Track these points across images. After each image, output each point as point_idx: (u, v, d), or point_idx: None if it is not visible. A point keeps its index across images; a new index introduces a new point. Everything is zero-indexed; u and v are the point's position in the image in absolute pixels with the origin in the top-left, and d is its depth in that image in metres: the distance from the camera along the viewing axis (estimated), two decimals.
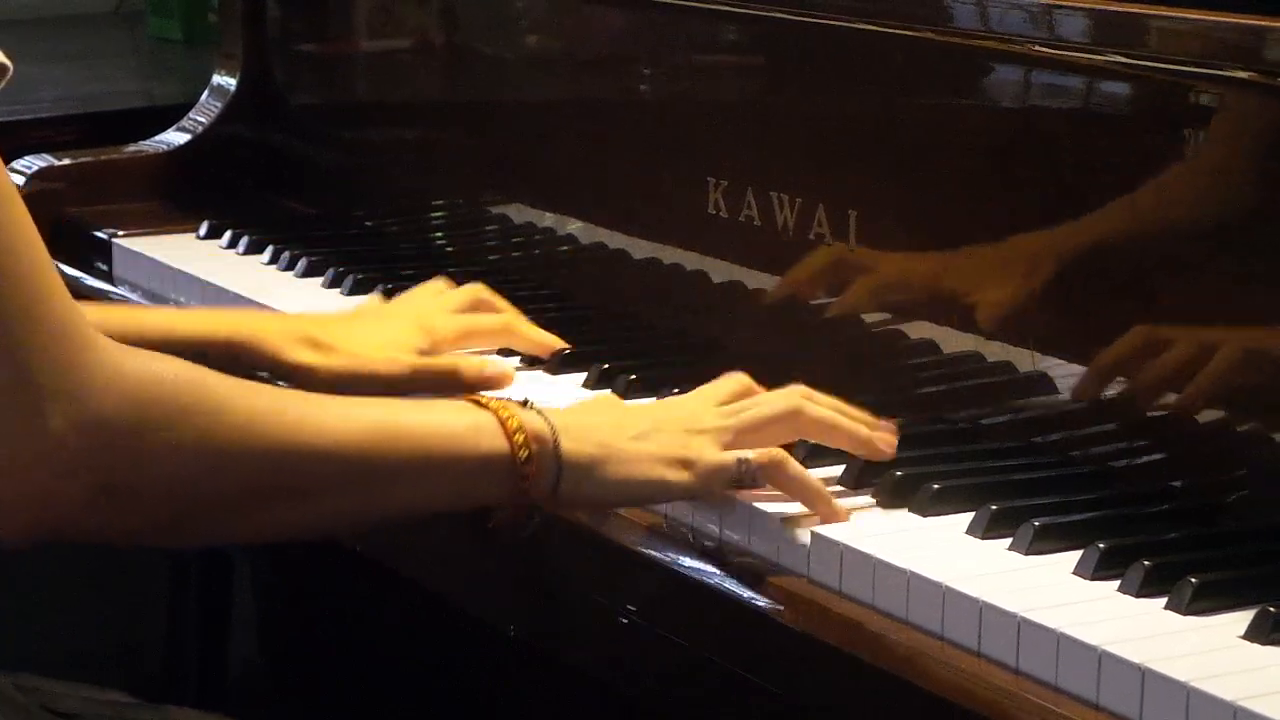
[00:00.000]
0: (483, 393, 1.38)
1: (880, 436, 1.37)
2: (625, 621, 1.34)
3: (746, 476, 1.33)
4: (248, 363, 1.56)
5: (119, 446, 1.18)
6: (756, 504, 1.33)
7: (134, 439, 1.19)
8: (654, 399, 1.50)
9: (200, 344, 1.55)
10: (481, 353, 1.64)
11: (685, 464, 1.33)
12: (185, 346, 1.53)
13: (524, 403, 1.33)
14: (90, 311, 1.57)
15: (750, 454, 1.33)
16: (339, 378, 1.55)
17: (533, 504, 1.31)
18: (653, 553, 1.34)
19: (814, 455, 1.39)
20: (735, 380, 1.40)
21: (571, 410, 1.37)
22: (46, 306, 1.17)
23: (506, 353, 1.66)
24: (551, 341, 1.65)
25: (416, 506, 1.30)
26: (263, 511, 1.25)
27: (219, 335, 1.57)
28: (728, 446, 1.34)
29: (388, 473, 1.27)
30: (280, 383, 1.56)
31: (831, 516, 1.31)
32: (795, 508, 1.33)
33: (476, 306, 1.66)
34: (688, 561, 1.33)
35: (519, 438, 1.29)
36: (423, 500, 1.30)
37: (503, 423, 1.29)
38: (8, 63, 1.23)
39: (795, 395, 1.38)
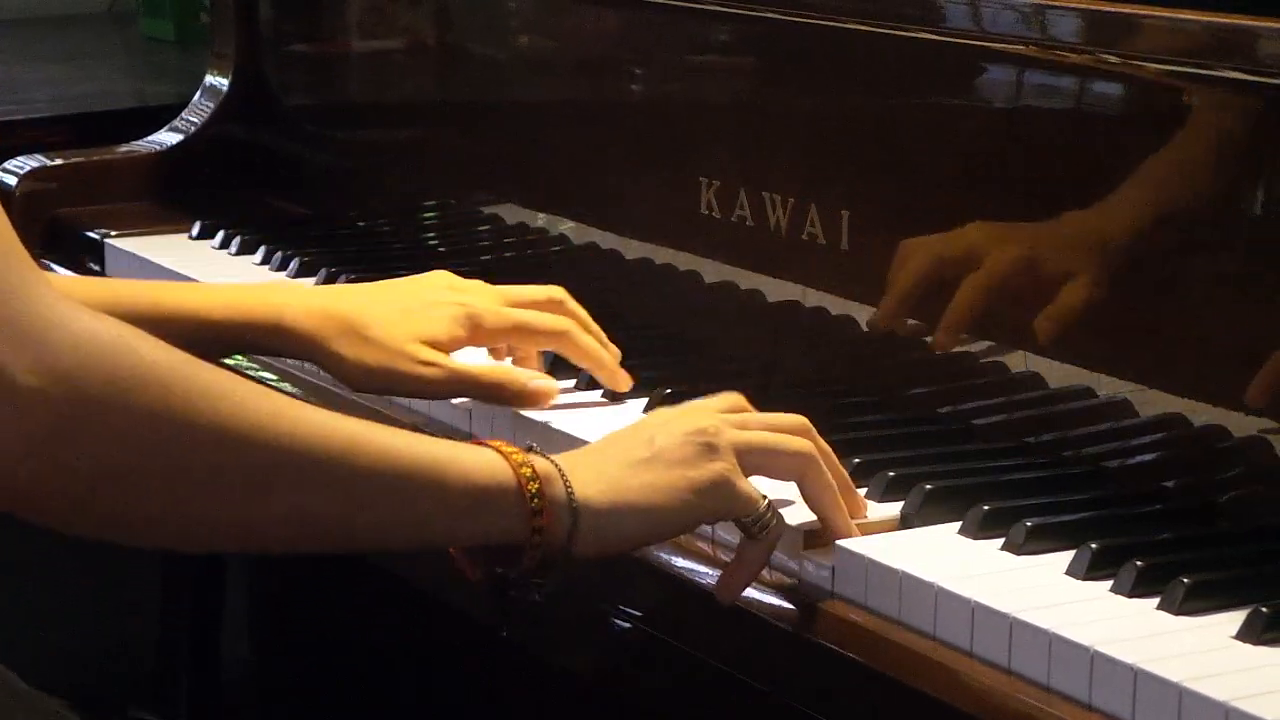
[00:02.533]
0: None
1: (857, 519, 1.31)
2: (621, 624, 1.34)
3: (765, 520, 1.25)
4: (276, 344, 1.51)
5: (73, 394, 1.07)
6: None
7: (88, 388, 1.08)
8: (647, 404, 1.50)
9: (237, 327, 1.49)
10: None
11: (709, 484, 1.24)
12: (221, 331, 1.49)
13: (529, 449, 1.24)
14: (98, 285, 1.53)
15: (774, 517, 1.26)
16: (371, 373, 1.49)
17: (548, 554, 1.21)
18: (645, 556, 1.34)
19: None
20: (731, 398, 1.33)
21: (576, 451, 1.27)
22: (7, 254, 1.08)
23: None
24: (610, 360, 1.54)
25: (398, 530, 1.20)
26: (212, 502, 1.13)
27: (256, 316, 1.49)
28: (742, 465, 1.26)
29: (360, 483, 1.16)
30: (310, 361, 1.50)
31: (857, 514, 1.30)
32: (784, 509, 1.32)
33: (545, 306, 1.55)
34: (681, 563, 1.33)
35: (525, 471, 1.20)
36: (404, 523, 1.19)
37: (507, 458, 1.21)
38: None
39: (809, 442, 1.29)
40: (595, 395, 1.56)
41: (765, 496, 1.26)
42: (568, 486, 1.22)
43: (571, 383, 1.58)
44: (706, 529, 1.35)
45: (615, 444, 1.27)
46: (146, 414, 1.10)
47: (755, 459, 1.27)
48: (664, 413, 1.32)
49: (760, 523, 1.25)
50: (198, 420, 1.11)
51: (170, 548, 1.19)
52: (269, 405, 1.14)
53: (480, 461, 1.20)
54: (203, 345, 1.40)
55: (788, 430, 1.30)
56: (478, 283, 1.58)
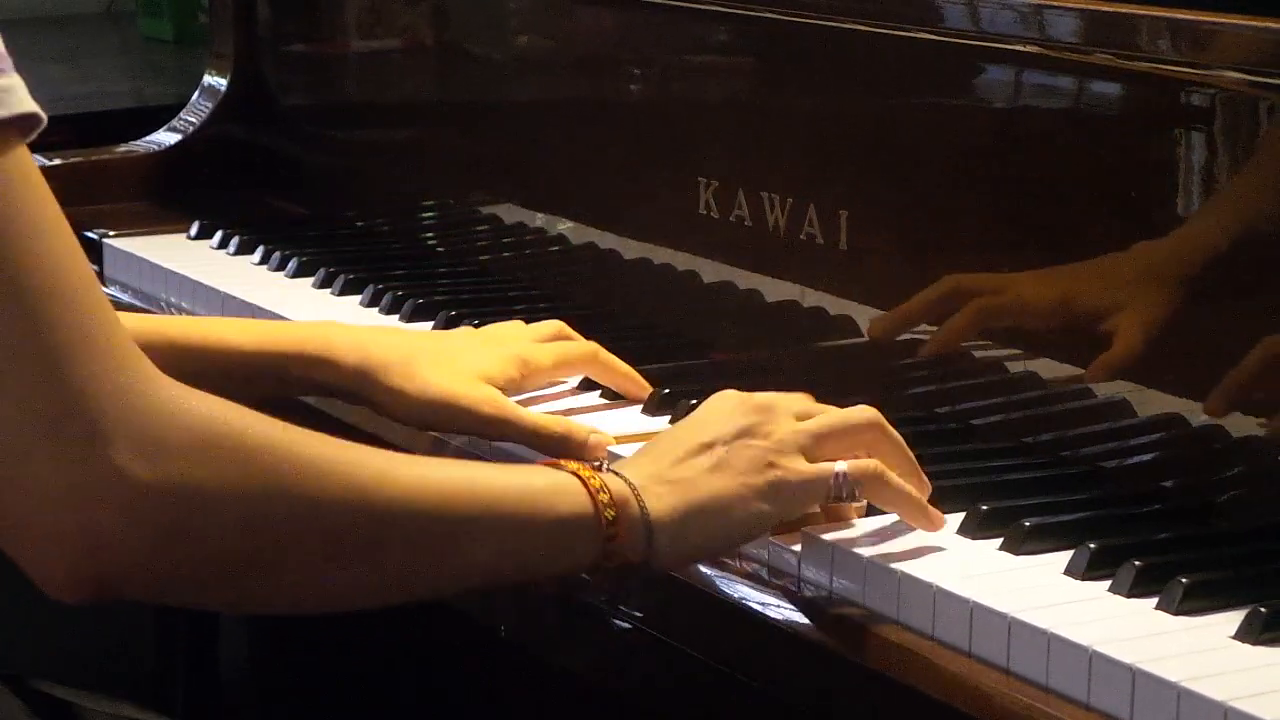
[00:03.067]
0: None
1: (934, 513, 1.29)
2: (620, 624, 1.34)
3: (844, 491, 1.26)
4: (321, 379, 1.47)
5: (187, 483, 1.08)
6: None
7: (202, 475, 1.09)
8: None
9: (281, 359, 1.46)
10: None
11: (775, 487, 1.25)
12: (264, 364, 1.46)
13: (599, 465, 1.25)
14: (143, 321, 1.50)
15: (844, 466, 1.26)
16: (429, 407, 1.44)
17: (623, 568, 1.23)
18: None
19: None
20: (799, 399, 1.32)
21: (641, 458, 1.27)
22: (103, 332, 1.07)
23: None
24: (635, 376, 1.54)
25: (496, 570, 1.21)
26: (331, 570, 1.15)
27: (308, 349, 1.46)
28: (810, 456, 1.26)
29: (464, 531, 1.18)
30: (362, 406, 1.47)
31: (932, 526, 1.27)
32: None
33: (559, 339, 1.55)
34: None
35: (603, 497, 1.21)
36: (502, 563, 1.20)
37: (585, 482, 1.22)
38: (41, 114, 1.15)
39: (872, 409, 1.30)
40: (593, 397, 1.57)
41: (836, 470, 1.26)
42: (642, 506, 1.23)
43: (566, 385, 1.58)
44: None
45: (681, 446, 1.26)
46: (261, 497, 1.11)
47: (825, 445, 1.27)
48: (722, 405, 1.30)
49: (841, 498, 1.26)
50: (311, 496, 1.13)
51: (296, 614, 1.22)
52: (373, 468, 1.16)
53: (560, 491, 1.21)
54: (245, 379, 1.43)
55: (859, 422, 1.30)
56: (501, 327, 1.57)
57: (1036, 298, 1.42)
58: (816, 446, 1.27)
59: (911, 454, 1.31)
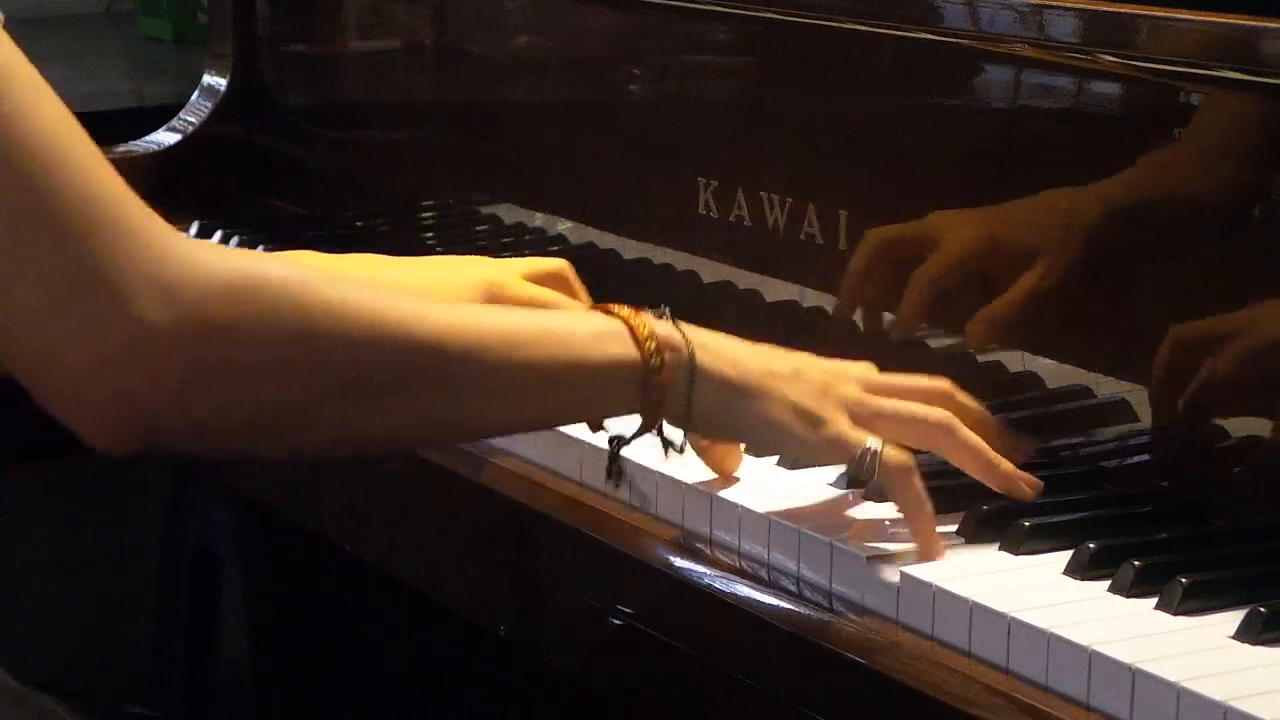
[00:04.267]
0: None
1: (1024, 476, 1.30)
2: (618, 624, 1.34)
3: (866, 468, 1.25)
4: None
5: (213, 326, 1.10)
6: (742, 503, 1.33)
7: (224, 320, 1.10)
8: None
9: None
10: None
11: (813, 421, 1.25)
12: None
13: (659, 313, 1.26)
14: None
15: (879, 445, 1.26)
16: None
17: (668, 417, 1.24)
18: (643, 555, 1.34)
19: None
20: (896, 376, 1.32)
21: (713, 333, 1.29)
22: (114, 194, 1.10)
23: None
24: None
25: (538, 412, 1.23)
26: (363, 409, 1.16)
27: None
28: (860, 423, 1.27)
29: (504, 371, 1.19)
30: None
31: (930, 554, 1.25)
32: (783, 504, 1.32)
33: (551, 280, 1.51)
34: (680, 562, 1.33)
35: (650, 345, 1.22)
36: (544, 405, 1.22)
37: (633, 330, 1.23)
38: None
39: (946, 412, 1.29)
40: None
41: (868, 446, 1.25)
42: (692, 355, 1.24)
43: None
44: (705, 529, 1.34)
45: (761, 350, 1.29)
46: (287, 337, 1.13)
47: (876, 421, 1.28)
48: (804, 356, 1.31)
49: (861, 470, 1.26)
50: (339, 335, 1.14)
51: (326, 456, 1.22)
52: (402, 309, 1.17)
53: (604, 337, 1.22)
54: None
55: (925, 389, 1.31)
56: (492, 260, 1.56)
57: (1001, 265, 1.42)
58: (869, 418, 1.27)
59: (990, 434, 1.30)
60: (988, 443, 1.29)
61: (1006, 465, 1.30)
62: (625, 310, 1.24)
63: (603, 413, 1.27)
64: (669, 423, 1.26)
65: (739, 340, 1.30)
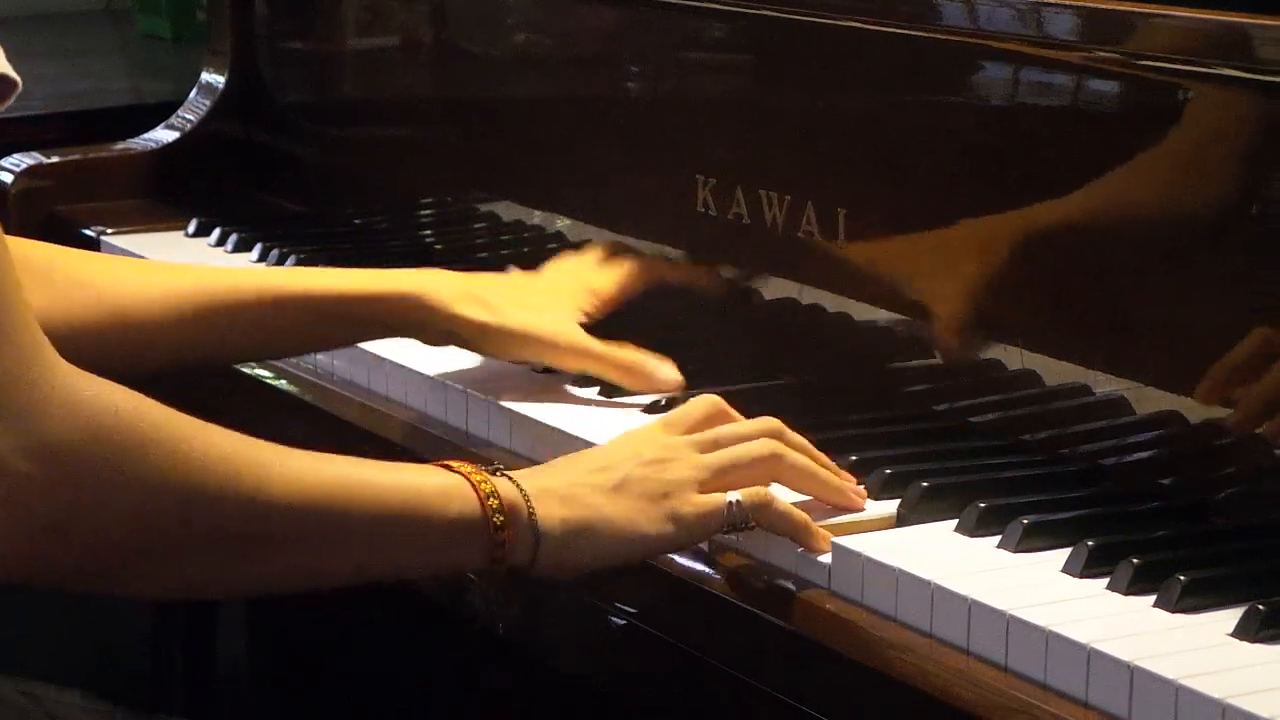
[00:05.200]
0: (451, 461, 1.30)
1: (853, 488, 1.34)
2: (616, 622, 1.34)
3: (739, 520, 1.28)
4: (418, 319, 1.54)
5: (71, 477, 1.09)
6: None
7: (88, 469, 1.10)
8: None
9: (368, 300, 1.53)
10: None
11: (670, 516, 1.28)
12: (353, 304, 1.53)
13: (494, 469, 1.27)
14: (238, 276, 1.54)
15: (738, 496, 1.29)
16: (511, 337, 1.53)
17: (510, 573, 1.26)
18: None
19: None
20: (706, 403, 1.36)
21: (540, 471, 1.31)
22: (2, 320, 1.08)
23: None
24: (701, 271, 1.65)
25: (383, 568, 1.25)
26: (216, 558, 1.17)
27: (386, 290, 1.54)
28: (706, 489, 1.29)
29: (351, 530, 1.21)
30: (448, 339, 1.55)
31: (817, 549, 1.28)
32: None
33: (611, 258, 1.65)
34: (682, 562, 1.33)
35: (492, 503, 1.24)
36: (389, 562, 1.25)
37: (475, 487, 1.24)
38: (15, 77, 1.19)
39: (771, 440, 1.33)
40: (592, 392, 1.57)
41: (729, 500, 1.28)
42: (531, 513, 1.25)
43: (569, 380, 1.59)
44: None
45: (582, 466, 1.30)
46: (147, 490, 1.12)
47: (725, 478, 1.30)
48: (629, 439, 1.34)
49: (736, 526, 1.29)
50: (196, 489, 1.14)
51: (185, 599, 1.24)
52: (260, 463, 1.18)
53: (449, 493, 1.24)
54: (335, 323, 1.53)
55: (752, 435, 1.33)
56: (564, 263, 1.66)
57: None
58: (715, 479, 1.30)
59: (817, 460, 1.34)
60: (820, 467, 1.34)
61: (835, 480, 1.33)
62: (467, 467, 1.26)
63: (451, 568, 1.28)
64: (518, 573, 1.27)
65: (568, 461, 1.31)
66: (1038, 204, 1.42)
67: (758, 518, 1.29)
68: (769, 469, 1.32)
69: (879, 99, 1.55)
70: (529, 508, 1.25)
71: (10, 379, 1.08)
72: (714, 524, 1.29)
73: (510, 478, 1.27)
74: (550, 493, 1.27)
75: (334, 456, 1.24)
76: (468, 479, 1.25)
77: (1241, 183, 1.31)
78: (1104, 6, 1.37)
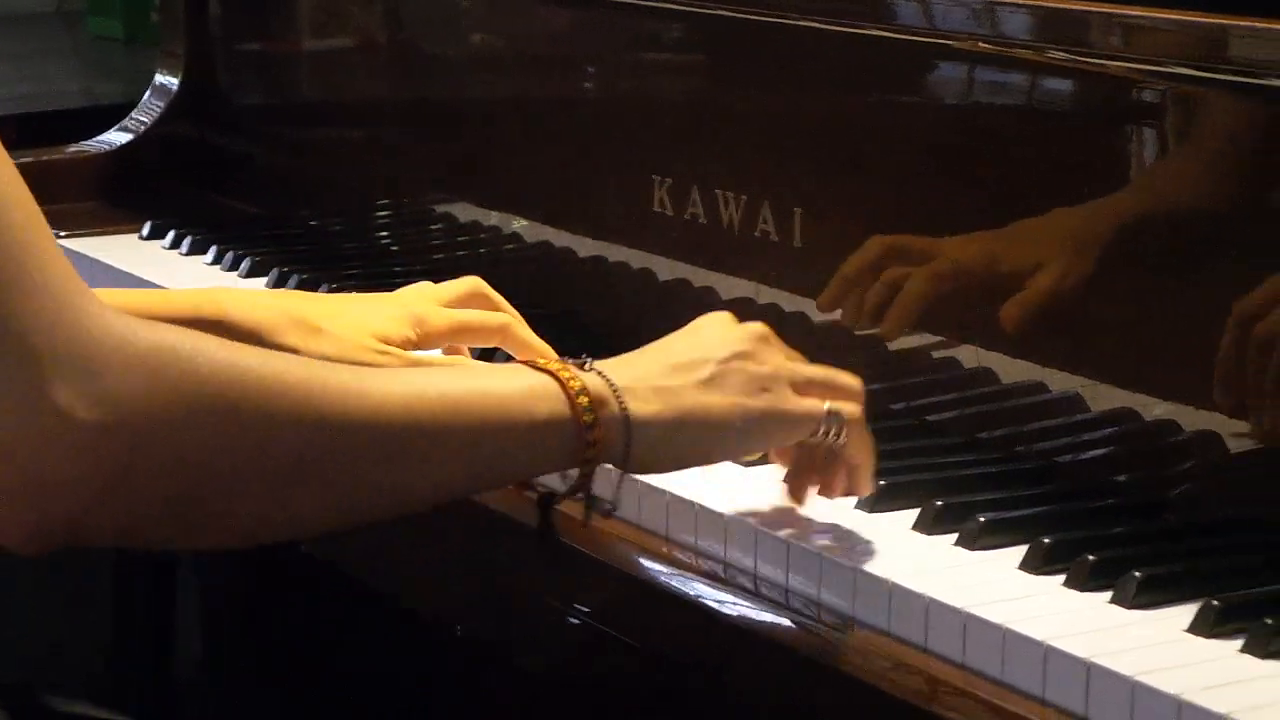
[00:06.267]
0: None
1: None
2: (583, 624, 1.35)
3: (832, 429, 1.25)
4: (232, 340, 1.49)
5: (135, 421, 1.03)
6: (700, 501, 1.33)
7: (150, 412, 1.04)
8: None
9: (183, 323, 1.41)
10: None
11: (767, 413, 1.23)
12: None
13: (582, 363, 1.22)
14: None
15: (838, 406, 1.25)
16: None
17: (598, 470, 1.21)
18: (610, 557, 1.34)
19: None
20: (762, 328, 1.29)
21: (629, 363, 1.24)
22: (45, 269, 1.04)
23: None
24: (548, 353, 1.48)
25: (471, 479, 1.18)
26: (295, 492, 1.10)
27: (203, 313, 1.44)
28: (801, 391, 1.25)
29: (432, 443, 1.14)
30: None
31: (865, 492, 1.29)
32: (739, 503, 1.32)
33: (471, 300, 1.51)
34: (645, 562, 1.33)
35: (582, 400, 1.18)
36: (477, 472, 1.18)
37: (563, 384, 1.18)
38: None
39: (860, 389, 1.29)
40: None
41: (826, 406, 1.25)
42: (623, 407, 1.20)
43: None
44: (687, 537, 1.34)
45: (672, 356, 1.24)
46: (215, 425, 1.07)
47: (813, 389, 1.26)
48: (718, 328, 1.27)
49: (827, 435, 1.25)
50: (267, 417, 1.08)
51: (266, 541, 1.15)
52: (333, 384, 1.11)
53: (536, 394, 1.18)
54: None
55: (851, 386, 1.29)
56: (411, 288, 1.55)
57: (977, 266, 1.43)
58: (805, 387, 1.26)
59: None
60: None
61: (871, 468, 1.30)
62: (554, 364, 1.20)
63: (539, 472, 1.22)
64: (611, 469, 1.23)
65: (655, 353, 1.25)
66: (994, 203, 1.43)
67: (851, 436, 1.26)
68: (852, 398, 1.28)
69: (835, 99, 1.55)
70: (620, 401, 1.20)
71: (62, 324, 1.03)
72: (808, 426, 1.25)
73: (600, 372, 1.21)
74: (642, 385, 1.22)
75: (415, 371, 1.20)
76: (555, 376, 1.19)
77: (1196, 181, 1.32)
78: (1061, 6, 1.38)
